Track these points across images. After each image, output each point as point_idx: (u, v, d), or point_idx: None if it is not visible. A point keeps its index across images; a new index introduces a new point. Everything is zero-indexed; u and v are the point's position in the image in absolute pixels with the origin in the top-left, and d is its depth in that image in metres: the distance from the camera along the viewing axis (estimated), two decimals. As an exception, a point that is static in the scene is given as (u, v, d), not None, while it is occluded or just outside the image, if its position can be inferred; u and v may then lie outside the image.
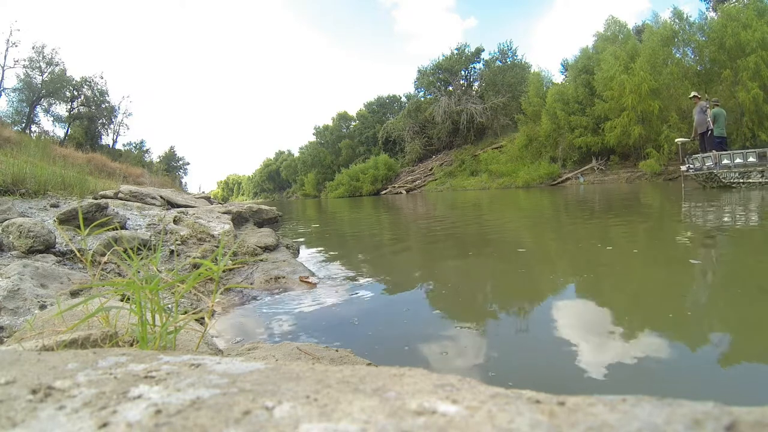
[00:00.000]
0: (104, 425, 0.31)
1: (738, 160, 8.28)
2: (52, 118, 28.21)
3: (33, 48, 25.88)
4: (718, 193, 7.05)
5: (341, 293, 1.83)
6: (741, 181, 8.12)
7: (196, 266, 1.98)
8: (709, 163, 8.43)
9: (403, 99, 40.24)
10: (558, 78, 26.26)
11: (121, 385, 0.38)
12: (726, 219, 3.52)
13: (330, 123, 47.44)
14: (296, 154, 55.34)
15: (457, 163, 28.97)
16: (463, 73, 32.66)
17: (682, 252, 2.34)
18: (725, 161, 8.31)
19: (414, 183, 30.15)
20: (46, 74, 26.59)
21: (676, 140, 11.06)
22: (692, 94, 9.46)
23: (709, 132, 8.69)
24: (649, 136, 16.81)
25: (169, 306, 1.03)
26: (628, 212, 4.71)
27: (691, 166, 8.93)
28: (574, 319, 1.37)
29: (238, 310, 1.63)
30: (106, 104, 30.58)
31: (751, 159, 8.26)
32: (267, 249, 2.72)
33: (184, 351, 0.81)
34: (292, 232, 5.11)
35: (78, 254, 0.85)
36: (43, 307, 1.19)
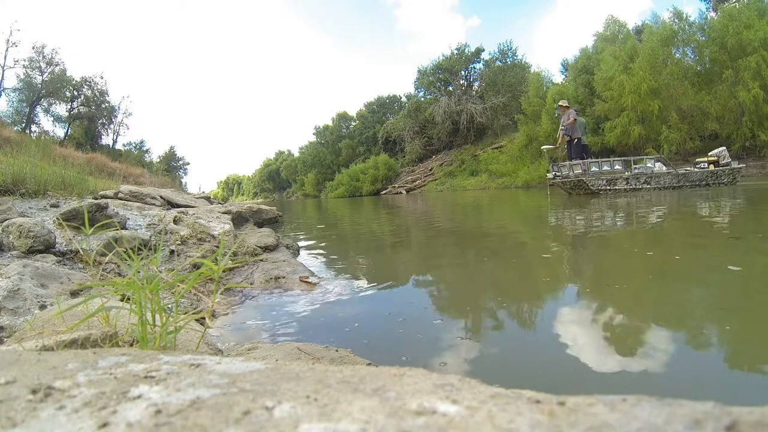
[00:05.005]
0: (104, 425, 0.31)
1: (605, 168, 8.58)
2: (52, 118, 28.25)
3: (33, 48, 25.91)
4: (587, 199, 7.33)
5: (341, 293, 1.83)
6: (608, 188, 8.40)
7: (196, 266, 1.98)
8: (577, 170, 8.58)
9: (403, 99, 40.24)
10: (558, 78, 26.28)
11: (121, 385, 0.38)
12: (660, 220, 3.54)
13: (330, 123, 47.47)
14: (296, 154, 55.40)
15: (457, 163, 28.97)
16: (463, 73, 32.66)
17: (705, 253, 2.34)
18: (593, 169, 8.55)
19: (414, 183, 30.15)
20: (46, 74, 26.60)
21: (542, 147, 11.38)
22: (560, 102, 9.54)
23: (576, 140, 8.81)
24: (648, 136, 16.81)
25: (169, 306, 1.03)
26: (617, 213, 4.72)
27: (557, 173, 9.05)
28: (581, 324, 1.37)
29: (238, 310, 1.63)
30: (106, 104, 30.59)
31: (618, 167, 8.63)
32: (267, 249, 2.72)
33: (184, 351, 0.81)
34: (292, 232, 5.11)
35: (81, 253, 0.85)
36: (43, 307, 1.19)
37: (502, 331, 1.32)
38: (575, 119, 8.69)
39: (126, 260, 0.77)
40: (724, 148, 8.79)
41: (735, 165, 8.40)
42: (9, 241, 1.85)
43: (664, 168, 8.47)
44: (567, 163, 8.87)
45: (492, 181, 23.16)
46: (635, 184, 8.41)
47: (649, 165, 8.61)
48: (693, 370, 0.96)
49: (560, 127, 9.22)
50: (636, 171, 8.51)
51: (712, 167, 8.31)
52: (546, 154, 10.96)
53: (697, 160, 9.01)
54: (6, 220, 2.12)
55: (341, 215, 8.86)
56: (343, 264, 2.70)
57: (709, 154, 8.79)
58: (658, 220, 3.85)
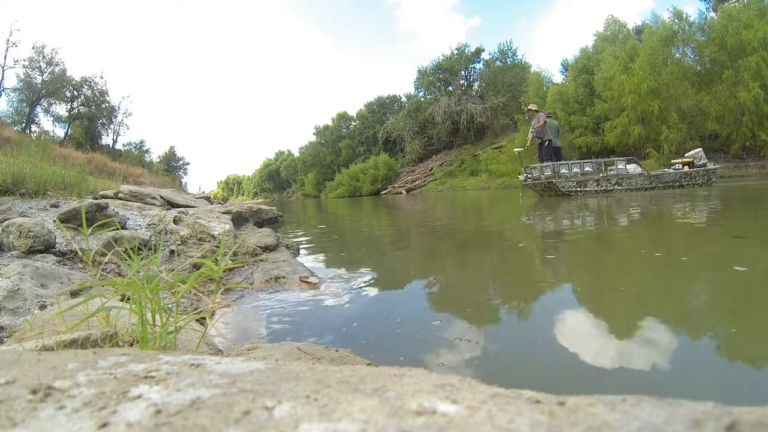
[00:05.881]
0: (104, 425, 0.31)
1: (575, 170, 8.73)
2: (52, 118, 28.25)
3: (33, 48, 25.91)
4: (558, 200, 7.51)
5: (341, 293, 1.83)
6: (578, 189, 8.56)
7: (196, 266, 1.98)
8: (548, 172, 8.72)
9: (403, 99, 40.25)
10: (558, 78, 26.27)
11: (121, 385, 0.38)
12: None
13: (330, 123, 47.47)
14: (296, 154, 55.41)
15: (457, 163, 28.96)
16: (463, 73, 32.67)
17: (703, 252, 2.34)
18: (563, 171, 8.70)
19: (414, 183, 30.14)
20: (46, 74, 26.60)
21: (514, 150, 11.49)
22: (530, 106, 9.74)
23: (546, 142, 8.98)
24: (648, 136, 16.82)
25: (170, 306, 1.03)
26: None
27: (529, 175, 9.19)
28: (585, 326, 1.37)
29: (238, 310, 1.63)
30: (106, 104, 30.60)
31: (588, 169, 8.80)
32: (267, 249, 2.72)
33: (184, 351, 0.81)
34: (292, 232, 5.11)
35: (80, 254, 0.86)
36: (43, 307, 1.19)
37: (501, 332, 1.31)
38: (545, 122, 8.89)
39: (126, 260, 0.77)
40: (701, 149, 8.83)
41: (711, 166, 8.44)
42: (9, 241, 1.85)
43: (639, 169, 8.58)
44: (537, 165, 9.05)
45: (492, 181, 23.15)
46: (606, 186, 8.55)
47: (620, 167, 8.76)
48: (702, 374, 0.95)
49: (530, 130, 9.46)
50: (611, 172, 8.63)
51: (686, 168, 8.37)
52: (518, 157, 11.26)
53: (672, 161, 9.07)
54: (6, 220, 2.12)
55: (341, 215, 8.86)
56: (342, 264, 2.70)
57: (686, 155, 8.86)
58: (646, 220, 3.86)
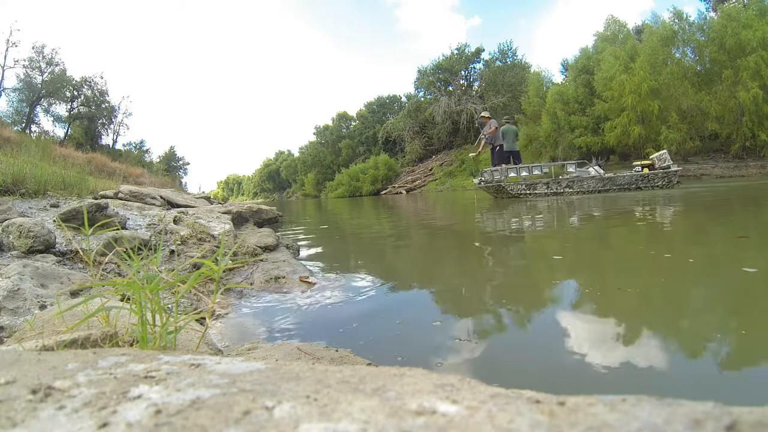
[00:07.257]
0: (104, 425, 0.31)
1: (524, 173, 9.16)
2: (52, 118, 28.29)
3: (33, 48, 25.95)
4: (510, 202, 7.85)
5: (341, 293, 1.83)
6: (528, 192, 8.92)
7: (196, 266, 1.98)
8: (497, 176, 9.16)
9: (404, 99, 40.30)
10: (558, 78, 26.30)
11: (121, 385, 0.38)
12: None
13: (330, 123, 47.53)
14: (296, 154, 55.50)
15: (457, 163, 28.96)
16: (463, 73, 32.71)
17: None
18: (512, 174, 9.14)
19: (414, 183, 30.15)
20: (46, 74, 26.63)
21: (470, 154, 11.86)
22: (482, 113, 10.31)
23: (498, 147, 9.49)
24: (648, 136, 16.82)
25: (170, 306, 1.03)
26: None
27: (482, 179, 9.57)
28: (587, 329, 1.37)
29: (238, 310, 1.63)
30: (106, 104, 30.64)
31: (536, 172, 9.27)
32: (267, 249, 2.71)
33: (184, 351, 0.81)
34: (292, 232, 5.11)
35: (81, 253, 0.86)
36: (43, 307, 1.19)
37: (501, 332, 1.31)
38: (497, 128, 9.41)
39: (126, 260, 0.77)
40: (665, 151, 8.88)
41: (674, 168, 8.44)
42: (9, 241, 1.85)
43: (593, 171, 8.80)
44: (489, 169, 9.44)
45: (492, 181, 23.18)
46: (556, 189, 8.74)
47: (570, 170, 9.03)
48: (708, 375, 0.95)
49: (480, 135, 10.02)
50: (575, 174, 8.88)
51: (646, 171, 8.41)
52: (473, 160, 11.93)
53: (634, 163, 9.18)
54: (6, 220, 2.12)
55: (341, 215, 8.86)
56: (342, 264, 2.70)
57: (650, 156, 8.99)
58: (625, 219, 3.86)
